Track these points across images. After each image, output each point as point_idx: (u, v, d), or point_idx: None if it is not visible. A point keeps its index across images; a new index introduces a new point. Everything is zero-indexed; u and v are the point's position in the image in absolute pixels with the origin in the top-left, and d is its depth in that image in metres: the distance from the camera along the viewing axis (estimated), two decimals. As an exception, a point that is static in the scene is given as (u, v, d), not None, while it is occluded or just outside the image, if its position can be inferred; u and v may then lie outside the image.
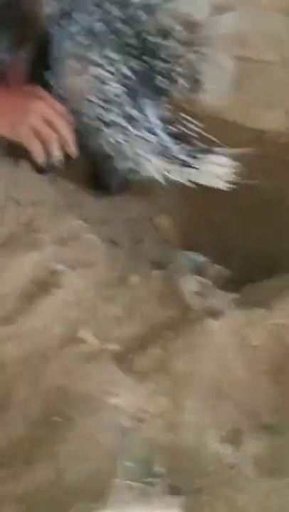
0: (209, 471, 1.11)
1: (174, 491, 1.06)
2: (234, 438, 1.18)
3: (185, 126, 1.55)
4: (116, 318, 1.36)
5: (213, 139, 1.54)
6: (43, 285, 1.39)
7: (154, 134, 1.55)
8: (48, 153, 1.56)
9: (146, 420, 1.19)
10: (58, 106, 1.55)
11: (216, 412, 1.22)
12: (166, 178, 1.56)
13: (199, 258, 1.64)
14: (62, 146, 1.57)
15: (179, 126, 1.56)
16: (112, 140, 1.56)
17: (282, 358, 1.28)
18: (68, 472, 1.10)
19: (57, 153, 1.56)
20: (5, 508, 1.07)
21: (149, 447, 1.15)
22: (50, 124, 1.54)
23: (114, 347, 1.31)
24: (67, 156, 1.59)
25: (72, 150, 1.58)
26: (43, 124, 1.53)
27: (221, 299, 1.40)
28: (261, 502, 1.03)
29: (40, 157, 1.55)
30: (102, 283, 1.42)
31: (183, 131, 1.56)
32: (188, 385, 1.24)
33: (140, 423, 1.18)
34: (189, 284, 1.42)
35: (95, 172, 1.71)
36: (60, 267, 1.42)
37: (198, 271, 1.56)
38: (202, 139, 1.55)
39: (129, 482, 1.06)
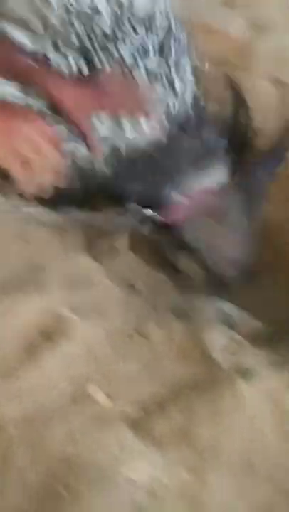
0: None
1: None
2: None
3: None
4: (132, 376, 1.36)
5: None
6: (49, 335, 1.40)
7: None
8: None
9: (164, 496, 1.19)
10: (46, 129, 1.61)
11: (245, 489, 1.22)
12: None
13: (229, 307, 1.67)
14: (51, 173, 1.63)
15: None
16: None
17: None
18: None
19: (48, 182, 1.61)
20: None
21: None
22: (37, 150, 1.60)
23: (129, 409, 1.31)
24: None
25: (59, 177, 1.62)
26: (32, 149, 1.59)
27: (253, 356, 1.41)
28: None
29: (29, 186, 1.61)
30: (116, 334, 1.43)
31: None
32: (213, 457, 1.24)
33: (156, 499, 1.19)
34: (217, 338, 1.43)
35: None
36: (68, 314, 1.43)
37: (228, 322, 1.58)
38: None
39: None
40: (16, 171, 1.60)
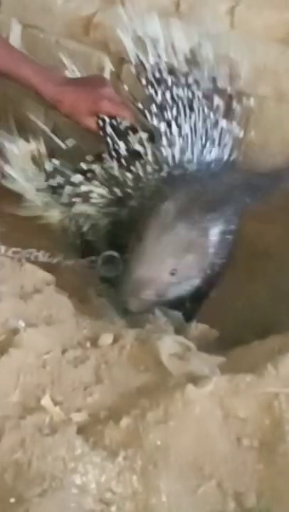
0: None
1: None
2: None
3: None
4: (83, 384, 1.37)
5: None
6: (0, 344, 1.40)
7: None
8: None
9: (115, 503, 1.19)
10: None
11: (194, 493, 1.22)
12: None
13: (180, 316, 1.68)
14: None
15: None
16: None
17: (272, 433, 1.28)
18: None
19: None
20: None
21: None
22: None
23: (80, 418, 1.32)
24: None
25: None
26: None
27: (204, 363, 1.41)
28: None
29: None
30: (68, 343, 1.44)
31: None
32: (162, 460, 1.24)
33: (107, 506, 1.18)
34: (168, 346, 1.43)
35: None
36: (19, 323, 1.44)
37: (179, 330, 1.60)
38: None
39: None
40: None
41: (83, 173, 1.79)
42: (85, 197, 1.77)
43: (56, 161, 1.82)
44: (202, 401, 1.30)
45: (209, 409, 1.30)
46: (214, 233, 1.65)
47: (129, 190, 1.75)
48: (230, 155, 1.80)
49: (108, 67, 1.95)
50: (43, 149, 1.84)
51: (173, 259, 1.61)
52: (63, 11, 2.18)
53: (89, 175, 1.78)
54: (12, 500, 1.18)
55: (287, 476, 1.24)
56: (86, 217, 1.81)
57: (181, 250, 1.62)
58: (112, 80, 1.92)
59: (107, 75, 1.98)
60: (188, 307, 1.74)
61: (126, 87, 1.85)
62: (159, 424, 1.27)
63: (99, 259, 1.75)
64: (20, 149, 1.81)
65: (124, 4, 2.07)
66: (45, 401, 1.34)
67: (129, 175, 1.75)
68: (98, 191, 1.76)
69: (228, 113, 1.80)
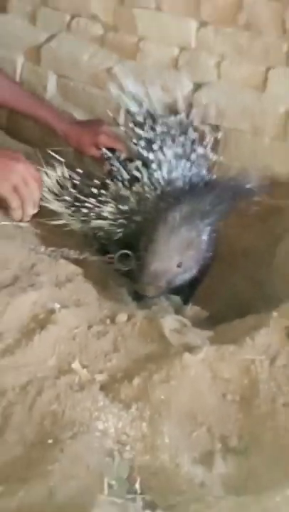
0: (182, 490, 1.11)
1: (151, 506, 1.06)
2: (205, 460, 1.19)
3: None
4: (104, 352, 1.36)
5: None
6: (40, 322, 1.39)
7: None
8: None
9: (129, 443, 1.20)
10: (34, 170, 1.70)
11: (190, 436, 1.23)
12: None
13: (179, 299, 1.69)
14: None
15: None
16: None
17: (249, 390, 1.28)
18: (59, 489, 1.09)
19: (31, 212, 1.71)
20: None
21: (131, 467, 1.15)
22: (26, 185, 1.66)
23: (102, 378, 1.31)
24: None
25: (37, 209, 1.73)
26: (23, 184, 1.65)
27: (197, 336, 1.41)
28: (227, 516, 1.03)
29: (18, 212, 1.69)
30: (92, 320, 1.43)
31: None
32: (166, 413, 1.24)
33: (123, 446, 1.19)
34: (169, 323, 1.43)
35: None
36: (55, 305, 1.43)
37: (178, 311, 1.60)
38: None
39: (112, 498, 1.05)
40: (10, 198, 1.64)
41: (95, 196, 1.79)
42: (98, 215, 1.78)
43: (74, 190, 1.82)
44: (196, 365, 1.30)
45: (201, 372, 1.30)
46: (205, 234, 1.67)
47: (133, 206, 1.75)
48: (207, 173, 1.80)
49: (123, 108, 1.93)
50: (66, 174, 1.84)
51: (179, 255, 1.63)
52: (88, 65, 2.17)
53: (100, 198, 1.78)
54: (50, 441, 1.19)
55: (261, 423, 1.24)
56: (100, 227, 1.80)
57: (184, 248, 1.63)
58: (127, 119, 1.92)
59: (122, 114, 1.96)
60: (186, 292, 1.74)
61: (123, 128, 1.89)
62: (163, 383, 1.27)
63: (116, 256, 1.75)
64: (49, 176, 1.81)
65: (136, 59, 2.08)
66: (75, 365, 1.34)
67: (131, 194, 1.76)
68: (108, 209, 1.77)
69: (202, 143, 1.81)
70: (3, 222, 1.73)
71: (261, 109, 1.89)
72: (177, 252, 1.62)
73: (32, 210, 1.71)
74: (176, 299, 1.67)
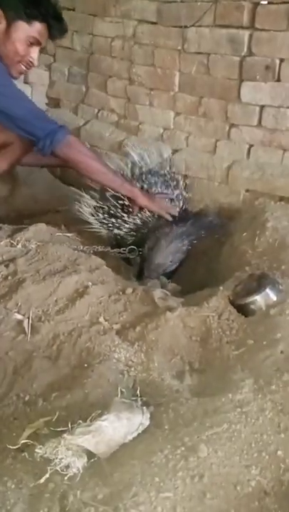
0: (165, 394, 1.11)
1: (146, 404, 1.05)
2: (179, 376, 1.18)
3: None
4: (118, 311, 1.35)
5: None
6: (80, 293, 1.38)
7: None
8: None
9: (133, 366, 1.19)
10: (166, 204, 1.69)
11: (170, 362, 1.22)
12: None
13: (165, 280, 1.67)
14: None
15: None
16: None
17: (206, 334, 1.28)
18: (91, 394, 1.10)
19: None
20: (56, 412, 1.07)
21: (134, 381, 1.15)
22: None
23: (117, 327, 1.31)
24: None
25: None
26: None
27: (174, 301, 1.39)
28: (192, 410, 1.02)
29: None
30: (111, 292, 1.41)
31: None
32: (156, 348, 1.23)
33: (129, 368, 1.19)
34: (158, 293, 1.42)
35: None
36: (89, 283, 1.42)
37: (164, 286, 1.57)
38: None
39: (123, 399, 1.05)
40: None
41: (116, 217, 1.73)
42: (118, 227, 1.74)
43: (102, 215, 1.74)
44: (173, 319, 1.29)
45: (177, 323, 1.29)
46: (186, 244, 1.67)
47: (140, 224, 1.71)
48: (183, 204, 1.77)
49: (130, 164, 1.88)
50: (98, 204, 1.78)
51: (172, 256, 1.65)
52: (109, 138, 2.16)
53: (119, 220, 1.72)
54: (85, 365, 1.19)
55: (213, 353, 1.24)
56: (118, 234, 1.77)
57: (175, 252, 1.65)
58: (132, 172, 1.83)
59: (129, 172, 1.84)
60: (169, 275, 1.72)
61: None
62: (153, 330, 1.27)
63: (127, 250, 1.73)
64: (87, 203, 1.78)
65: (138, 135, 2.07)
66: (101, 319, 1.32)
67: (138, 218, 1.71)
68: (125, 225, 1.73)
69: (177, 186, 1.76)
70: (57, 234, 1.70)
71: (212, 165, 1.87)
72: (171, 254, 1.65)
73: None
74: (164, 279, 1.65)
